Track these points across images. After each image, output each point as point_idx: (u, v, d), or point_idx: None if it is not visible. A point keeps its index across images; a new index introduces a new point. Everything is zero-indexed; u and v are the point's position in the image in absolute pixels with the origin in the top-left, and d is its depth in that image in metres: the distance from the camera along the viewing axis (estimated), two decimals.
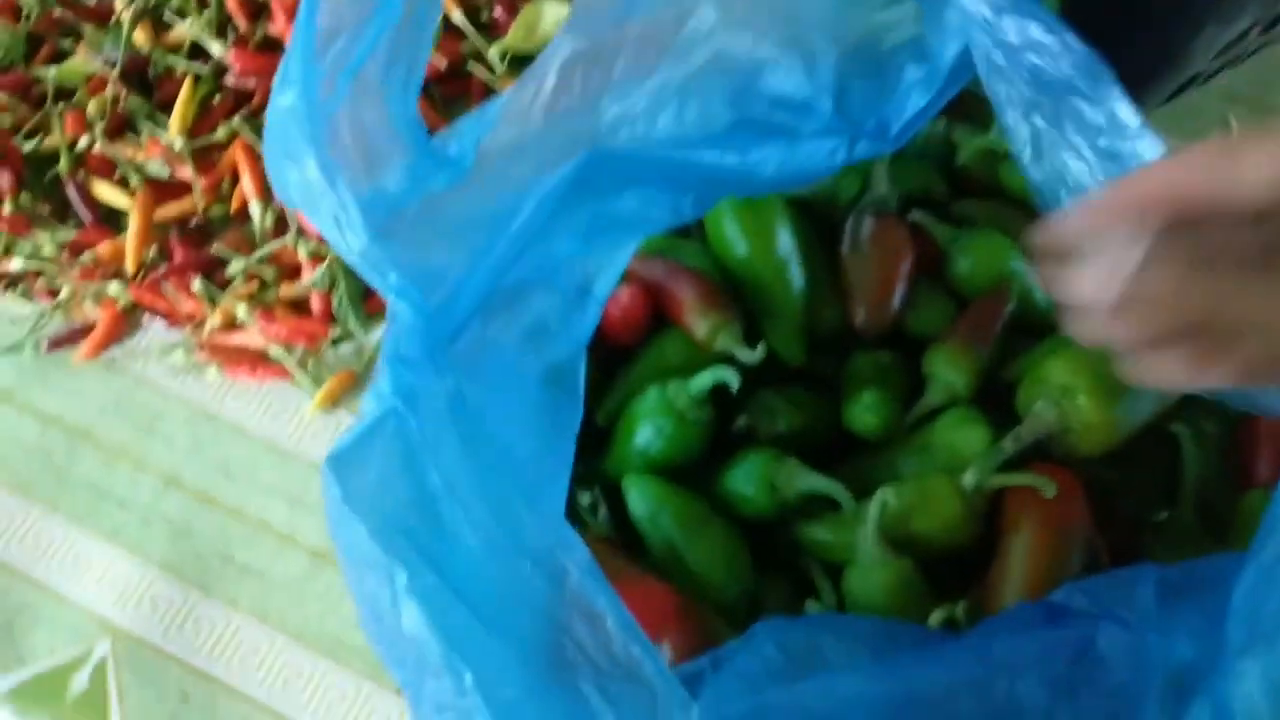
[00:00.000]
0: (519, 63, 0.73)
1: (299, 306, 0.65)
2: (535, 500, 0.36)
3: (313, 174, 0.35)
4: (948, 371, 0.49)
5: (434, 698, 0.31)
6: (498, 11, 0.72)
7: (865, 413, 0.49)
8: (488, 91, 0.71)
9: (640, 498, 0.47)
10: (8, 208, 0.67)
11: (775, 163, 0.44)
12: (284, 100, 0.35)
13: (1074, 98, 0.39)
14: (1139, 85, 0.62)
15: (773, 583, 0.49)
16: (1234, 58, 0.67)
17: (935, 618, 0.42)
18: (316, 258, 0.64)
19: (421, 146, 0.38)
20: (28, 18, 0.72)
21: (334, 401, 0.62)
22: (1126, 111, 0.38)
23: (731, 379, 0.47)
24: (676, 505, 0.47)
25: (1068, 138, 0.40)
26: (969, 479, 0.45)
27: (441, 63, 0.70)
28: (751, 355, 0.49)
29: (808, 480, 0.47)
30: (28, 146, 0.69)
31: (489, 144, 0.40)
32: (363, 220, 0.35)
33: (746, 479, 0.48)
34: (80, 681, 0.56)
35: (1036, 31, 0.39)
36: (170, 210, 0.67)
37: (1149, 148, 0.38)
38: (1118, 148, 0.38)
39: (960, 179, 0.60)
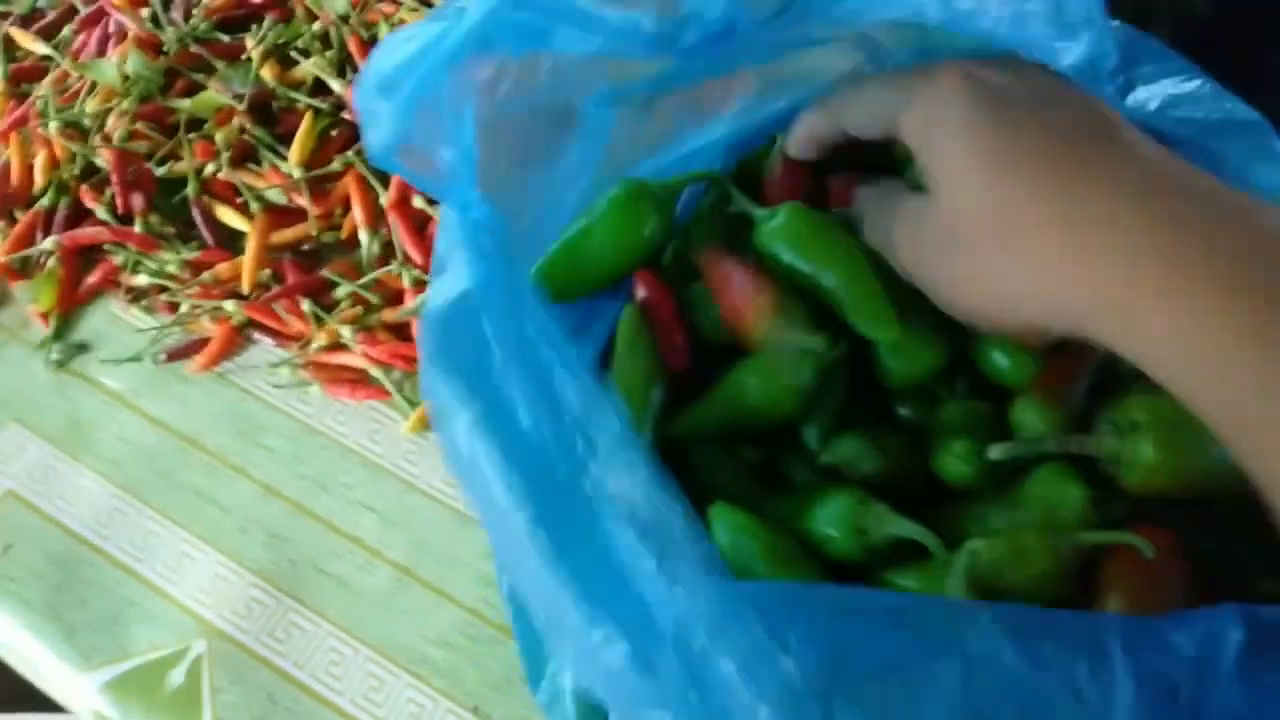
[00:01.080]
0: None
1: (400, 331, 0.68)
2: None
3: None
4: (1038, 423, 0.49)
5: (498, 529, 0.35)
6: None
7: (957, 461, 0.49)
8: None
9: (726, 527, 0.48)
10: (138, 227, 0.71)
11: None
12: None
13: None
14: None
15: None
16: None
17: None
18: (419, 285, 0.67)
19: None
20: (167, 53, 0.78)
21: (426, 425, 0.65)
22: None
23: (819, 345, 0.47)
24: (764, 539, 0.47)
25: None
26: (995, 453, 0.45)
27: None
28: (823, 345, 0.47)
29: (897, 525, 0.46)
30: (160, 171, 0.73)
31: None
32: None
33: (831, 520, 0.47)
34: (176, 677, 0.59)
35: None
36: (285, 235, 0.71)
37: None
38: None
39: None
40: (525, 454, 0.36)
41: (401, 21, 0.75)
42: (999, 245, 0.35)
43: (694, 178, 0.52)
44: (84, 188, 0.74)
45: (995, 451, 0.46)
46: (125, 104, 0.75)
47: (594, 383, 0.38)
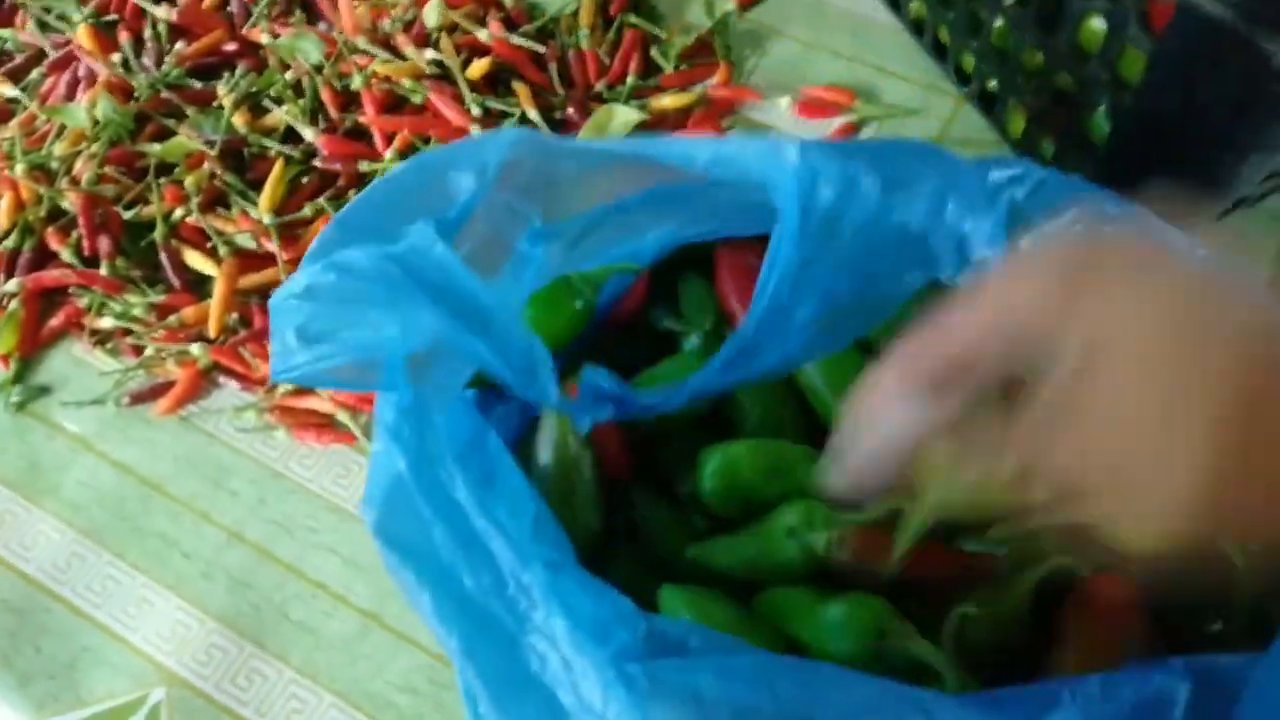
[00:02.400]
0: None
1: None
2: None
3: None
4: None
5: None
6: (570, 111, 0.77)
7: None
8: None
9: (681, 608, 0.47)
10: (105, 269, 0.71)
11: None
12: None
13: None
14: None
15: None
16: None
17: None
18: None
19: None
20: (137, 99, 0.78)
21: None
22: None
23: None
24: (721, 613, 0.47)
25: None
26: (998, 532, 0.46)
27: None
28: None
29: (919, 647, 0.43)
30: (128, 215, 0.74)
31: None
32: None
33: (844, 633, 0.44)
34: None
35: None
36: (254, 280, 0.71)
37: None
38: None
39: None
40: (468, 615, 0.40)
41: (375, 75, 0.76)
42: (1187, 450, 0.28)
43: (617, 269, 0.56)
44: (50, 230, 0.73)
45: (999, 531, 0.47)
46: (94, 148, 0.75)
47: (526, 538, 0.41)
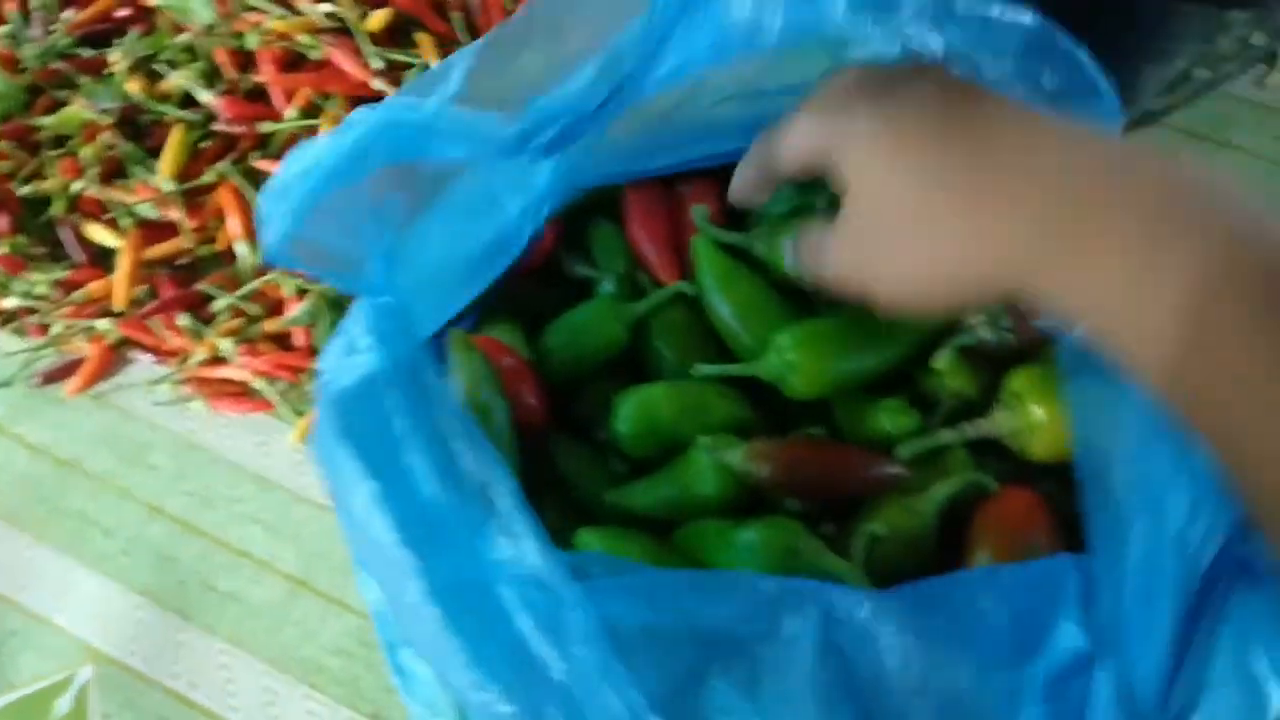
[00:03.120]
0: None
1: (282, 341, 0.67)
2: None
3: None
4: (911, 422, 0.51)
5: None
6: None
7: (894, 419, 0.50)
8: None
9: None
10: (4, 248, 0.69)
11: None
12: None
13: None
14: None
15: None
16: (1188, 95, 0.69)
17: None
18: (300, 293, 0.67)
19: None
20: (26, 70, 0.76)
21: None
22: None
23: None
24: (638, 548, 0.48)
25: None
26: (903, 451, 0.47)
27: None
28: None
29: (830, 562, 0.45)
30: (24, 190, 0.71)
31: None
32: None
33: (758, 554, 0.45)
34: (63, 705, 0.58)
35: None
36: (159, 250, 0.69)
37: None
38: None
39: None
40: (423, 527, 0.38)
41: (271, 33, 0.74)
42: (919, 230, 0.35)
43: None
44: None
45: (905, 450, 0.49)
46: None
47: (492, 450, 0.40)
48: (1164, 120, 0.72)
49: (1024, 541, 0.46)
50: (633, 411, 0.52)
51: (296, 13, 0.75)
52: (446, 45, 0.76)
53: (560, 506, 0.54)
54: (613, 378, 0.56)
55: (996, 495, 0.48)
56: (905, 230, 0.36)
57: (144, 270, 0.69)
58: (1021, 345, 0.51)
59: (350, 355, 0.43)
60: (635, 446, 0.52)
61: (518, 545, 0.37)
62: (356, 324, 0.44)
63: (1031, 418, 0.47)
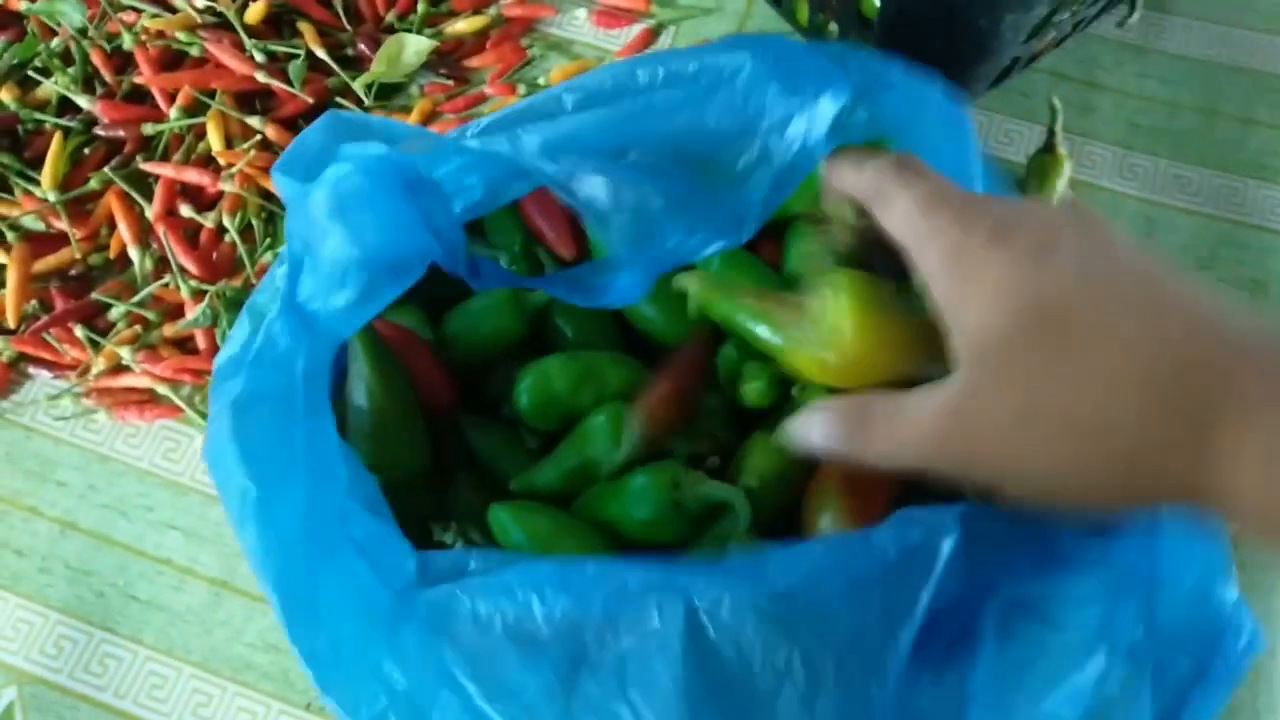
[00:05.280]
0: (386, 92, 0.76)
1: (183, 345, 0.66)
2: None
3: None
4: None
5: None
6: (361, 46, 0.74)
7: (757, 390, 0.51)
8: None
9: (514, 525, 0.49)
10: None
11: None
12: None
13: None
14: (962, 73, 0.67)
15: None
16: (1054, 40, 0.72)
17: None
18: (198, 295, 0.66)
19: None
20: None
21: None
22: None
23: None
24: (550, 525, 0.49)
25: None
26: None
27: (309, 99, 0.72)
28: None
29: (711, 489, 0.47)
30: None
31: None
32: None
33: (644, 497, 0.48)
34: None
35: None
36: (49, 262, 0.68)
37: None
38: None
39: None
40: (282, 547, 0.40)
41: (146, 32, 0.72)
42: (1084, 424, 0.31)
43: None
44: None
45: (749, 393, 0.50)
46: None
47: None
48: (1041, 67, 0.74)
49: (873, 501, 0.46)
50: (530, 385, 0.53)
51: (172, 10, 0.74)
52: (330, 34, 0.75)
53: (476, 485, 0.55)
54: (520, 357, 0.57)
55: None
56: (1059, 421, 0.31)
57: (34, 284, 0.68)
58: None
59: (241, 363, 0.43)
60: (537, 420, 0.53)
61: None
62: (246, 327, 0.45)
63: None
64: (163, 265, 0.68)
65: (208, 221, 0.68)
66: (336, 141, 0.45)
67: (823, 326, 0.41)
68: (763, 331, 0.45)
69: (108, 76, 0.72)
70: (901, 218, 0.35)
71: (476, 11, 0.78)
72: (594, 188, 0.49)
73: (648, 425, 0.49)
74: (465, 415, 0.57)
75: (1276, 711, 0.57)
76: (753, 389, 0.51)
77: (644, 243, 0.48)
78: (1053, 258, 0.32)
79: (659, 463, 0.49)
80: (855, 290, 0.40)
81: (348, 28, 0.76)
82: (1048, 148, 0.65)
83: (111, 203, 0.69)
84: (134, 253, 0.68)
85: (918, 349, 0.39)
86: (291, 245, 0.45)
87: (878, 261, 0.41)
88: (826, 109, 0.42)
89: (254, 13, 0.73)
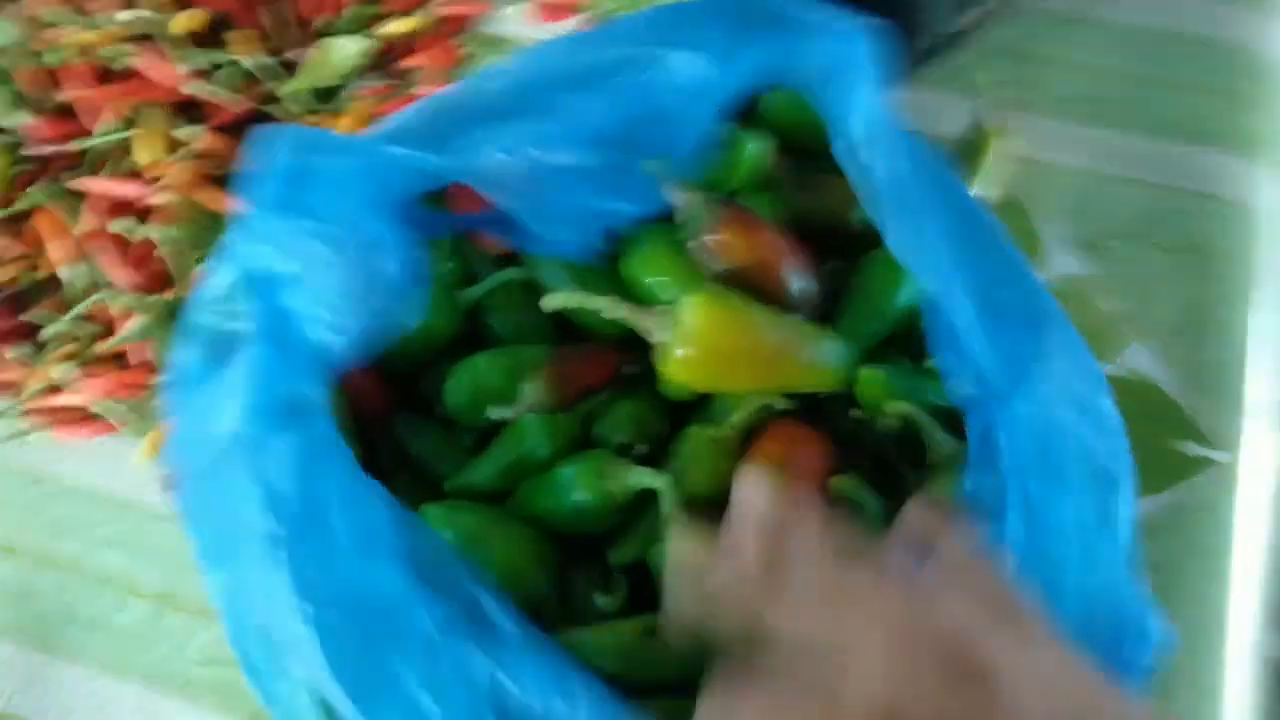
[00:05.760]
0: (324, 96, 0.75)
1: (120, 360, 0.66)
2: None
3: None
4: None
5: None
6: (292, 53, 0.74)
7: None
8: None
9: (442, 525, 0.48)
10: None
11: None
12: None
13: None
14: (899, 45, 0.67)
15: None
16: (983, 15, 0.72)
17: None
18: (132, 310, 0.65)
19: None
20: None
21: (163, 447, 0.63)
22: None
23: None
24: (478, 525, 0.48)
25: None
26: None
27: (242, 108, 0.71)
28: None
29: (638, 476, 0.48)
30: None
31: None
32: None
33: (576, 483, 0.48)
34: None
35: None
36: None
37: None
38: None
39: None
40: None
41: (73, 46, 0.71)
42: None
43: None
44: None
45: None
46: None
47: None
48: (976, 41, 0.74)
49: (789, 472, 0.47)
50: (459, 383, 0.52)
51: (96, 25, 0.73)
52: (262, 40, 0.74)
53: (412, 487, 0.55)
54: (454, 357, 0.57)
55: (769, 430, 0.49)
56: None
57: None
58: None
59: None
60: (469, 417, 0.53)
61: None
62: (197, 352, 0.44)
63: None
64: (95, 283, 0.67)
65: (141, 235, 0.67)
66: (301, 163, 0.44)
67: (682, 326, 0.46)
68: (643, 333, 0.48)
69: (36, 93, 0.72)
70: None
71: (409, 12, 0.77)
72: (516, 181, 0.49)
73: (552, 379, 0.49)
74: (400, 417, 0.56)
75: None
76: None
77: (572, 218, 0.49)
78: None
79: (586, 454, 0.49)
80: (712, 294, 0.47)
81: (282, 35, 0.75)
82: (977, 124, 0.64)
83: (43, 221, 0.68)
84: (64, 271, 0.67)
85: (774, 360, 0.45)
86: (254, 268, 0.44)
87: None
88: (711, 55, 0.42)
89: (181, 22, 0.72)
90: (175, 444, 0.42)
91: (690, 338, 0.46)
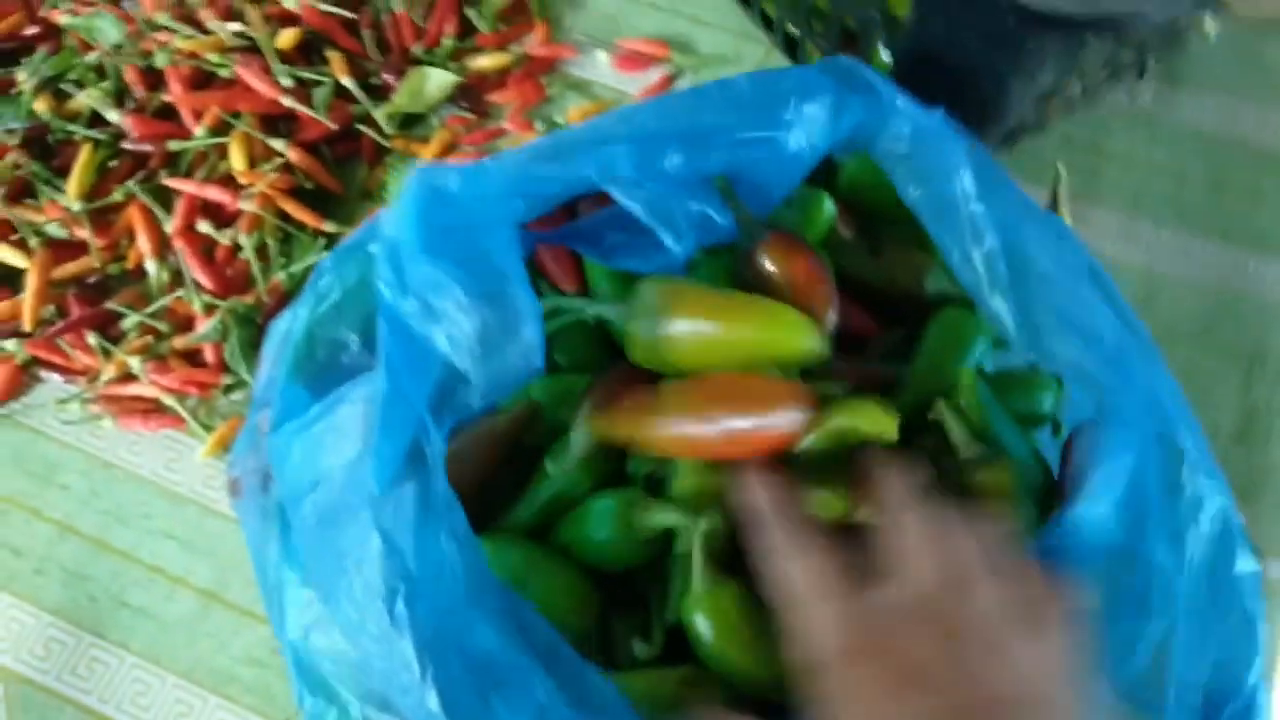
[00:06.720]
0: (408, 123, 0.77)
1: (192, 358, 0.68)
2: None
3: None
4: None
5: None
6: (386, 77, 0.76)
7: None
8: (378, 151, 0.76)
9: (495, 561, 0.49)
10: None
11: None
12: None
13: None
14: (970, 132, 0.68)
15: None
16: (1061, 108, 0.73)
17: None
18: (209, 309, 0.68)
19: None
20: None
21: (224, 447, 0.65)
22: None
23: None
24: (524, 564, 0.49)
25: None
26: None
27: (333, 125, 0.74)
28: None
29: (661, 515, 0.48)
30: None
31: None
32: None
33: (603, 522, 0.49)
34: None
35: None
36: (68, 269, 0.70)
37: None
38: None
39: None
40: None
41: (179, 52, 0.74)
42: None
43: None
44: None
45: None
46: None
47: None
48: (1051, 132, 0.75)
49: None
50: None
51: (205, 32, 0.76)
52: (356, 62, 0.77)
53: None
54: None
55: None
56: None
57: (53, 290, 0.69)
58: None
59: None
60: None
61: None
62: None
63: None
64: (178, 278, 0.70)
65: (224, 239, 0.70)
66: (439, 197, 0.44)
67: (641, 306, 0.48)
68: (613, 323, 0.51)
69: (139, 93, 0.74)
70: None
71: (501, 48, 0.80)
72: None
73: (597, 416, 0.50)
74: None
75: None
76: None
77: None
78: None
79: (619, 490, 0.50)
80: (671, 279, 0.50)
81: (374, 58, 0.78)
82: (1050, 210, 0.66)
83: (133, 215, 0.71)
84: (150, 265, 0.69)
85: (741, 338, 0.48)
86: (389, 304, 0.42)
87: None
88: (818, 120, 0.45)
89: (285, 38, 0.75)
90: (285, 472, 0.42)
91: (647, 315, 0.48)
